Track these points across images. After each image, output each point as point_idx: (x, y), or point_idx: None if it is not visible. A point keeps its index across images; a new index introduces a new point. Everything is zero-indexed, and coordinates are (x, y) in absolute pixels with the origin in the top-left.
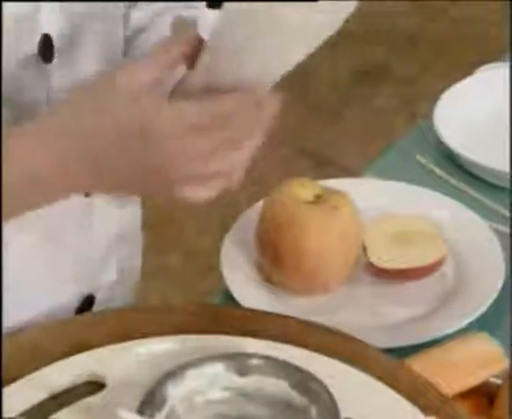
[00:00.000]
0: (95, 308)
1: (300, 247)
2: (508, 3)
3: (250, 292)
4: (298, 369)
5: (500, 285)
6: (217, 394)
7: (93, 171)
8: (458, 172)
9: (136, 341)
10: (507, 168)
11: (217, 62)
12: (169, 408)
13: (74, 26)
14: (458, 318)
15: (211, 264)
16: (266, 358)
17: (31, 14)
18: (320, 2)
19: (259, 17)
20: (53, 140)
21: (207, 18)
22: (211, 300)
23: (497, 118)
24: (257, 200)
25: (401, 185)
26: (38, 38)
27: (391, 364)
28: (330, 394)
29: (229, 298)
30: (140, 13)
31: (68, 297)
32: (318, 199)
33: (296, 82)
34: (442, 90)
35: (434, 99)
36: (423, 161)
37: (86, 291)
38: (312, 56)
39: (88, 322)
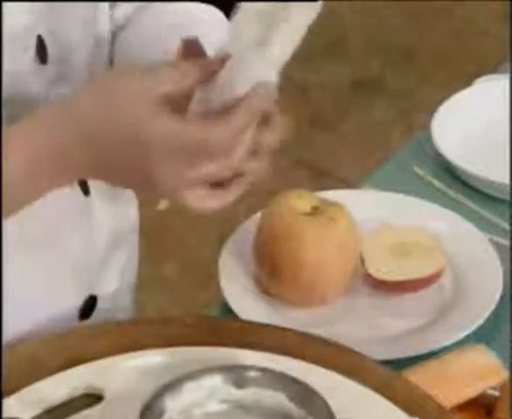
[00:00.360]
0: (99, 312)
1: (297, 259)
2: (508, 14)
3: (248, 304)
4: (295, 381)
5: (497, 297)
6: (214, 406)
7: (96, 163)
8: (456, 184)
9: (134, 353)
10: (506, 180)
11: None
12: None
13: (63, 28)
14: (455, 330)
15: (209, 275)
16: (264, 370)
17: (30, 21)
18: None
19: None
20: (53, 125)
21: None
22: (208, 312)
23: (496, 129)
24: (255, 211)
25: (399, 197)
26: (34, 41)
27: (389, 376)
28: (328, 407)
29: (227, 309)
30: (119, 11)
31: (70, 300)
32: (315, 211)
33: (294, 94)
34: (439, 101)
35: (431, 110)
36: (421, 172)
37: (87, 293)
38: (310, 67)
39: (87, 334)
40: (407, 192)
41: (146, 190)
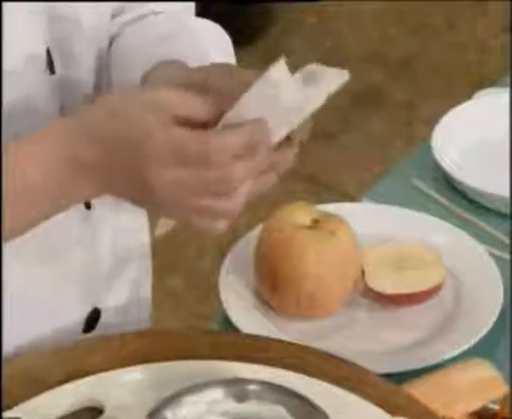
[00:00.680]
0: (105, 326)
1: (298, 272)
2: (508, 27)
3: (248, 317)
4: (296, 395)
5: (498, 310)
6: None
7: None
8: (456, 197)
9: (135, 367)
10: (506, 194)
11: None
12: None
13: (67, 38)
14: (456, 343)
15: (210, 288)
16: (265, 384)
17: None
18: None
19: None
20: (67, 137)
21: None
22: (209, 325)
23: (496, 143)
24: (255, 224)
25: (399, 210)
26: (44, 52)
27: (390, 389)
28: None
29: (227, 322)
30: (113, 21)
31: (74, 313)
32: (316, 224)
33: None
34: (439, 114)
35: (431, 122)
36: (421, 185)
37: (91, 306)
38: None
39: (86, 348)
40: (407, 205)
41: (148, 203)
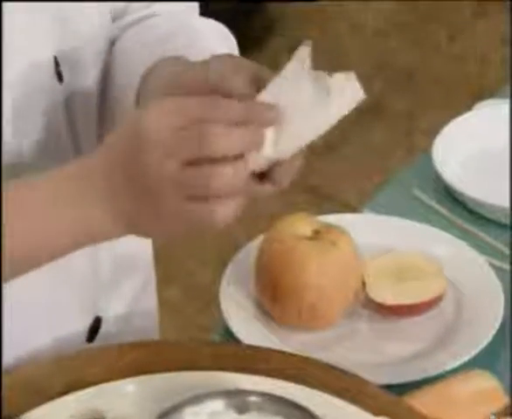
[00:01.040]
0: (107, 335)
1: (299, 283)
2: (508, 39)
3: (249, 328)
4: (297, 406)
5: (499, 321)
6: None
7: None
8: (457, 207)
9: (135, 378)
10: (506, 204)
11: None
12: None
13: (73, 47)
14: (457, 354)
15: (210, 299)
16: (265, 395)
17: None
18: None
19: None
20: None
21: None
22: (209, 336)
23: (496, 154)
24: (255, 235)
25: (400, 221)
26: (51, 60)
27: (391, 400)
28: None
29: (228, 333)
30: (114, 24)
31: (76, 321)
32: (317, 235)
33: None
34: (440, 125)
35: (432, 133)
36: (422, 196)
37: (93, 314)
38: None
39: (86, 358)
40: (408, 216)
41: (149, 207)
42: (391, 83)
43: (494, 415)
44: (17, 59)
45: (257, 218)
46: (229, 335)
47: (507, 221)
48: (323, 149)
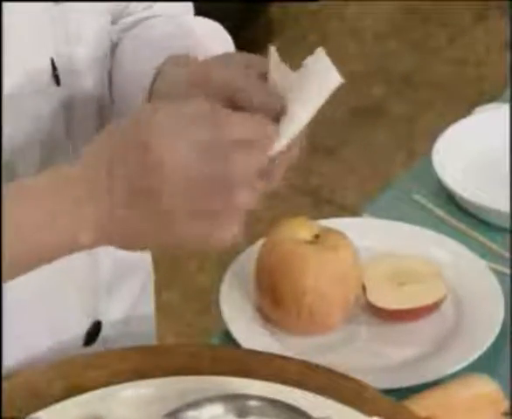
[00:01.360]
0: (107, 339)
1: (299, 287)
2: (507, 42)
3: (249, 332)
4: (297, 411)
5: (499, 325)
6: None
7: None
8: (457, 212)
9: (135, 382)
10: (507, 209)
11: None
12: None
13: (71, 50)
14: (457, 358)
15: (209, 303)
16: (265, 399)
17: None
18: None
19: None
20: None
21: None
22: (209, 339)
23: (496, 157)
24: (255, 238)
25: (400, 225)
26: (48, 63)
27: (391, 405)
28: None
29: (228, 337)
30: (113, 28)
31: (75, 325)
32: (317, 239)
33: None
34: (440, 129)
35: (432, 137)
36: (422, 200)
37: (93, 318)
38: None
39: (85, 363)
40: (408, 220)
41: (158, 224)
42: (391, 86)
43: None
44: (13, 61)
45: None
46: (229, 339)
47: (507, 225)
48: (323, 153)
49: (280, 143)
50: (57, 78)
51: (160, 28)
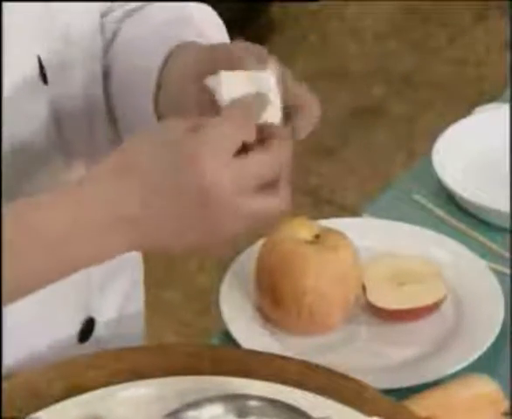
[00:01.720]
0: (100, 338)
1: (299, 287)
2: (507, 42)
3: (249, 332)
4: (297, 411)
5: (499, 325)
6: None
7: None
8: (457, 212)
9: (134, 382)
10: (507, 209)
11: None
12: None
13: (60, 52)
14: (457, 358)
15: (209, 303)
16: (265, 399)
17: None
18: None
19: None
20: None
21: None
22: (209, 339)
23: (496, 157)
24: (255, 239)
25: (400, 225)
26: (35, 61)
27: (391, 405)
28: None
29: (228, 337)
30: (109, 19)
31: (69, 322)
32: (317, 239)
33: None
34: (440, 129)
35: (432, 137)
36: (422, 200)
37: (85, 315)
38: (311, 95)
39: (84, 363)
40: (408, 220)
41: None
42: (391, 86)
43: None
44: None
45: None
46: (229, 339)
47: (507, 225)
48: (323, 153)
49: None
50: (44, 77)
51: (160, 16)
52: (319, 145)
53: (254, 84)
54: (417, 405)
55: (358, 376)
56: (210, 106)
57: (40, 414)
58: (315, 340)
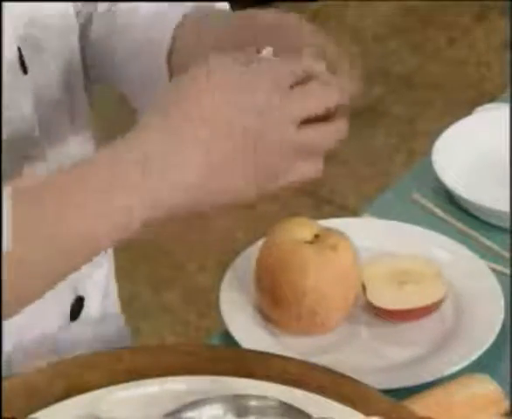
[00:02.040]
0: (89, 321)
1: (298, 287)
2: (508, 43)
3: (249, 332)
4: (297, 411)
5: (499, 325)
6: None
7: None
8: (457, 212)
9: (133, 383)
10: (507, 209)
11: None
12: None
13: (35, 39)
14: (457, 358)
15: (209, 303)
16: (265, 399)
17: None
18: None
19: None
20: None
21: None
22: (209, 340)
23: (496, 157)
24: (255, 239)
25: (400, 225)
26: (16, 53)
27: (391, 405)
28: None
29: (228, 337)
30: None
31: (59, 301)
32: (316, 239)
33: None
34: (440, 129)
35: (432, 137)
36: (421, 200)
37: (75, 294)
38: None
39: (84, 363)
40: (408, 220)
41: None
42: (391, 87)
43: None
44: None
45: (257, 222)
46: (228, 339)
47: (507, 225)
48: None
49: None
50: (24, 67)
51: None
52: None
53: None
54: (416, 405)
55: (358, 376)
56: None
57: (40, 414)
58: (315, 340)
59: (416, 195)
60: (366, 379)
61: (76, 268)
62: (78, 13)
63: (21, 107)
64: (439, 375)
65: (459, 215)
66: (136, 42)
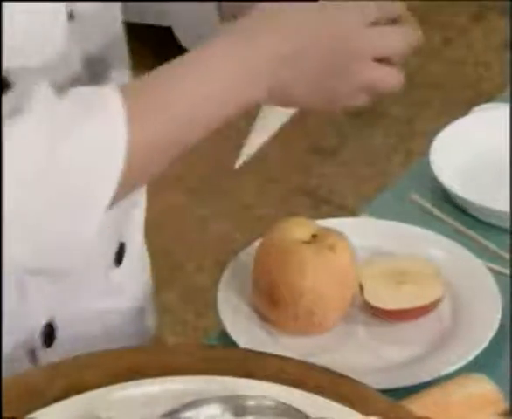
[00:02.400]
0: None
1: (296, 287)
2: (507, 43)
3: (247, 332)
4: (295, 411)
5: (496, 325)
6: None
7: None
8: (455, 212)
9: (133, 382)
10: (506, 209)
11: None
12: None
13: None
14: (455, 358)
15: (207, 303)
16: (263, 399)
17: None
18: None
19: None
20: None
21: None
22: (207, 340)
23: (495, 157)
24: (253, 239)
25: (398, 225)
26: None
27: (389, 405)
28: None
29: (225, 337)
30: None
31: (105, 246)
32: (314, 239)
33: (294, 121)
34: (438, 129)
35: (430, 137)
36: (419, 200)
37: (118, 241)
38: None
39: (83, 363)
40: (406, 220)
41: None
42: None
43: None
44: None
45: (254, 222)
46: (226, 339)
47: (506, 225)
48: (322, 154)
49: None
50: (71, 13)
51: None
52: (317, 145)
53: None
54: (414, 405)
55: (356, 376)
56: None
57: (40, 414)
58: (313, 340)
59: (414, 195)
60: (364, 379)
61: (194, 138)
62: None
63: (66, 53)
64: (436, 375)
65: (457, 215)
66: None
